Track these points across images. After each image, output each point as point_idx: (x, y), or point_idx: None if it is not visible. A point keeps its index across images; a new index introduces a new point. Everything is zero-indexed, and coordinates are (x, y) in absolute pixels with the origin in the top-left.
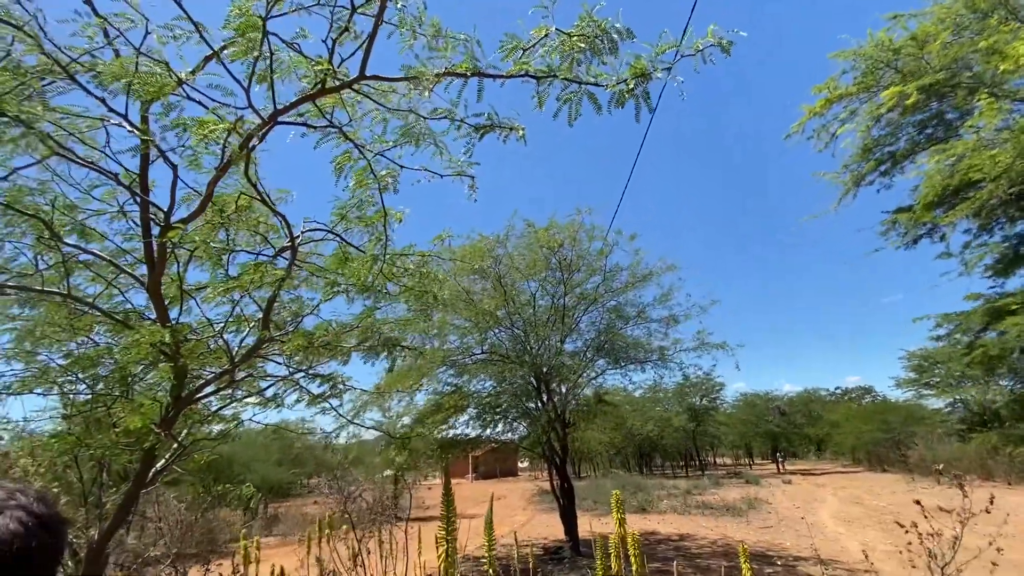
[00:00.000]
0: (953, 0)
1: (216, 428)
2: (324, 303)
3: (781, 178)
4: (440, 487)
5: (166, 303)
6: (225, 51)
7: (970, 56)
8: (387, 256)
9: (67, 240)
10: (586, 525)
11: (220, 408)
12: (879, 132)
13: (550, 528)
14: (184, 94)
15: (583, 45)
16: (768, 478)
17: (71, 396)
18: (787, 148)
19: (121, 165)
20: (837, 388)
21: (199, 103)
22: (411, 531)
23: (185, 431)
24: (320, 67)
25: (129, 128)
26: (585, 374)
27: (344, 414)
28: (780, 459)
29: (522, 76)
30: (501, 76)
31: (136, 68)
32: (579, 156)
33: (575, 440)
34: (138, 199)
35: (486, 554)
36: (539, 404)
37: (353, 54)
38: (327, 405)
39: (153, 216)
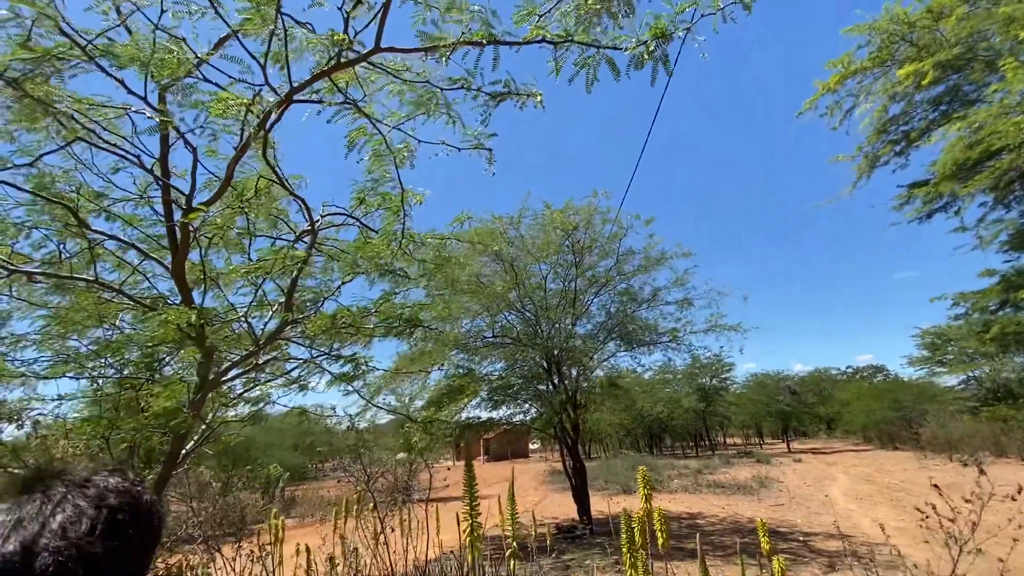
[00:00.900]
0: None
1: (243, 410)
2: (344, 285)
3: (795, 160)
4: (451, 469)
5: (190, 288)
6: (239, 30)
7: (986, 28)
8: (406, 235)
9: (93, 227)
10: (597, 505)
11: (244, 391)
12: (896, 109)
13: (563, 508)
14: (201, 76)
15: (598, 6)
16: (778, 457)
17: (99, 381)
18: (802, 127)
19: (143, 150)
20: (848, 367)
21: (215, 83)
22: (429, 511)
23: (211, 414)
24: (337, 39)
25: (149, 113)
26: (596, 356)
27: (365, 396)
28: (788, 438)
29: (539, 42)
30: (518, 43)
31: (153, 47)
32: (585, 133)
33: (585, 422)
34: (159, 183)
35: (509, 528)
36: (550, 386)
37: (367, 26)
38: (348, 387)
39: (174, 200)
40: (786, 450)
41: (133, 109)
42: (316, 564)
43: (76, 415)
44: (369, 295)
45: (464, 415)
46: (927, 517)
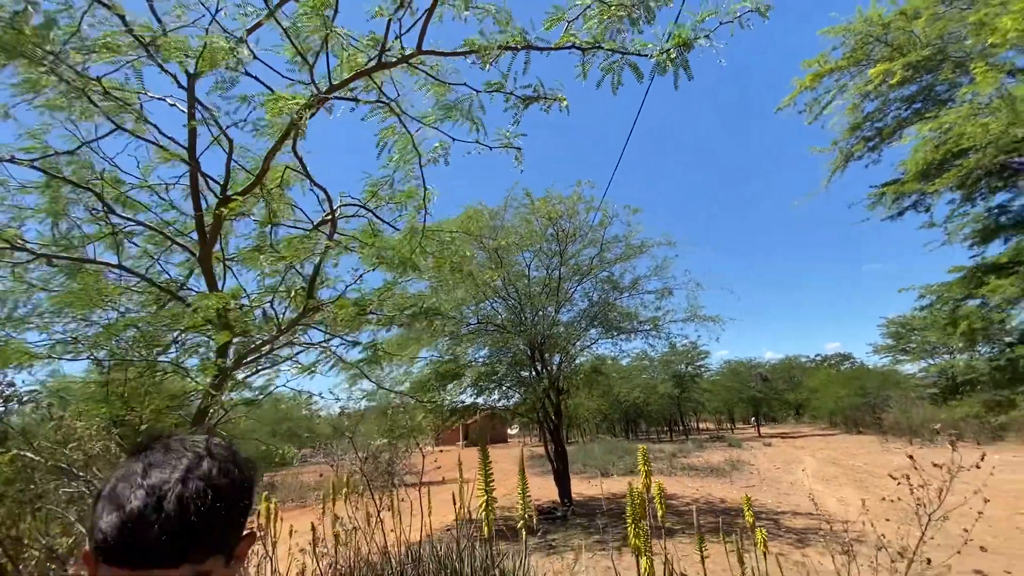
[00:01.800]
0: None
1: (246, 394)
2: (368, 273)
3: (770, 154)
4: (434, 454)
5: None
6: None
7: (958, 29)
8: (425, 231)
9: (119, 212)
10: (577, 487)
11: (248, 376)
12: (870, 107)
13: (543, 490)
14: (242, 70)
15: (622, 14)
16: (749, 441)
17: (104, 364)
18: (780, 122)
19: (172, 139)
20: (817, 355)
21: (256, 78)
22: (413, 495)
23: (226, 396)
24: (378, 42)
25: (189, 109)
26: (578, 343)
27: (383, 385)
28: (759, 424)
29: (569, 48)
30: (550, 48)
31: (206, 40)
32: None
33: (567, 407)
34: (196, 175)
35: (520, 502)
36: (534, 372)
37: (408, 30)
38: (360, 371)
39: (202, 191)
40: (756, 435)
41: (164, 98)
42: (323, 541)
43: (83, 398)
44: (373, 285)
45: (448, 401)
46: (899, 484)
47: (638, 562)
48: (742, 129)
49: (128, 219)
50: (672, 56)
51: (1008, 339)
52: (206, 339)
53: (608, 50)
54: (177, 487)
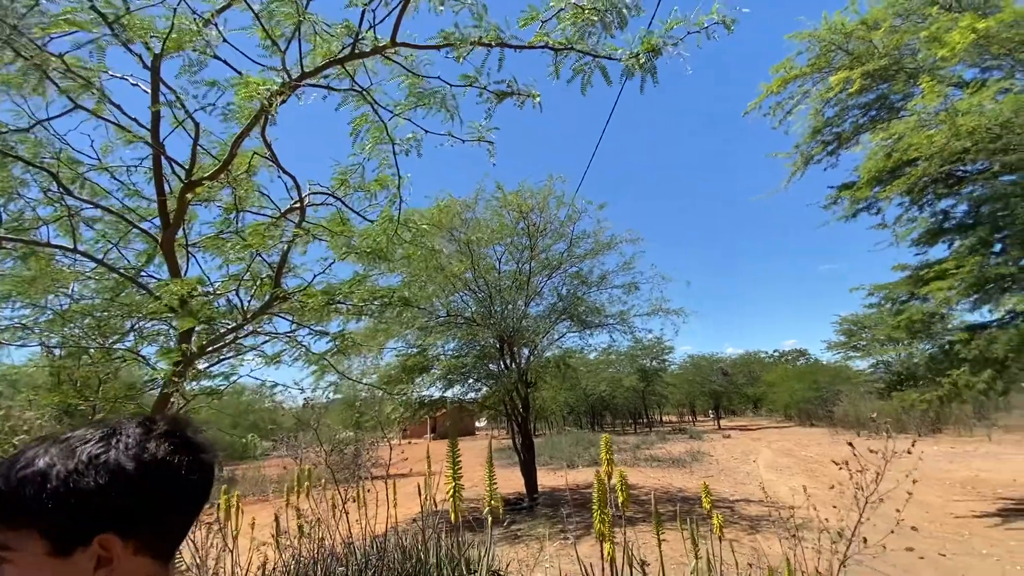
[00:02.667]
0: None
1: (206, 383)
2: (337, 262)
3: (735, 154)
4: (401, 446)
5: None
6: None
7: (913, 41)
8: (400, 220)
9: (75, 194)
10: (543, 479)
11: (209, 367)
12: (830, 112)
13: (509, 482)
14: (211, 53)
15: (595, 18)
16: (709, 433)
17: (56, 352)
18: (743, 126)
19: (135, 119)
20: (775, 351)
21: (224, 61)
22: (379, 488)
23: (187, 385)
24: (352, 31)
25: (153, 91)
26: (547, 337)
27: (349, 375)
28: (719, 416)
29: (542, 47)
30: (523, 46)
31: (173, 20)
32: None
33: (535, 400)
34: (159, 158)
35: (487, 489)
36: (503, 365)
37: (382, 20)
38: (328, 362)
39: (166, 176)
40: (716, 427)
41: (131, 80)
42: (283, 532)
43: (32, 386)
44: (342, 276)
45: (416, 394)
46: (841, 470)
47: (602, 547)
48: (711, 129)
49: (85, 200)
50: (641, 61)
51: (948, 337)
52: (166, 326)
53: (579, 52)
54: (21, 457)
